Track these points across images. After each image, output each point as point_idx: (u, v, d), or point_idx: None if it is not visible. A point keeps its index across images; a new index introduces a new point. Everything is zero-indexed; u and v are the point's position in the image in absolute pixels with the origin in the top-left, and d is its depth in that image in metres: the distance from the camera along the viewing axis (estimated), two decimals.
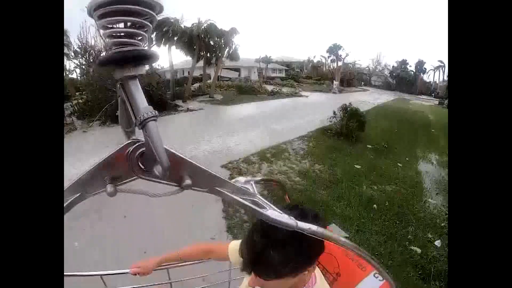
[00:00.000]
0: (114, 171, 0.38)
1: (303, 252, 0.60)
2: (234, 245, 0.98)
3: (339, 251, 1.10)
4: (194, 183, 0.42)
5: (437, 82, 45.28)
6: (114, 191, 0.37)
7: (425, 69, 46.48)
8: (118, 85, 0.33)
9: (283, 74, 39.77)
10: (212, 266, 1.16)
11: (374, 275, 0.99)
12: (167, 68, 18.75)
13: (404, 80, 42.77)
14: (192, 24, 15.88)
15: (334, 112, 8.13)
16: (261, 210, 0.45)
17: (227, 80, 26.23)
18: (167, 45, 15.40)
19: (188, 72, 21.29)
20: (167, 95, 13.67)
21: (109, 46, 0.31)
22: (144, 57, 0.31)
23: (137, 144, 0.37)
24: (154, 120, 0.33)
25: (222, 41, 16.93)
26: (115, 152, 0.38)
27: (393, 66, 46.32)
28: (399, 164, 6.24)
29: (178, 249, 1.10)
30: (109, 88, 9.14)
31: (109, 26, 0.30)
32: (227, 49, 17.19)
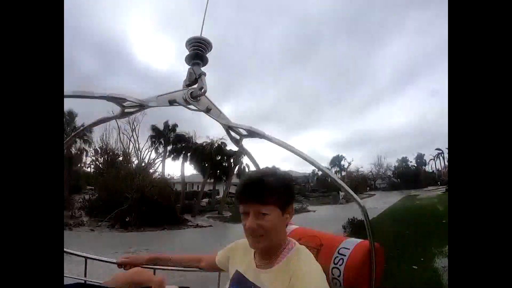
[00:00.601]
0: (173, 98, 0.92)
1: (283, 183, 0.84)
2: (221, 252, 1.11)
3: (321, 233, 1.30)
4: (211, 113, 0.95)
5: (440, 169, 45.19)
6: (173, 102, 0.90)
7: (425, 160, 47.57)
8: (191, 65, 0.93)
9: None
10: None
11: (354, 237, 1.17)
12: (178, 179, 19.94)
13: (407, 177, 42.85)
14: (204, 143, 17.92)
15: (344, 227, 8.26)
16: (239, 126, 0.96)
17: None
18: (181, 159, 17.04)
19: (198, 186, 22.42)
20: (177, 208, 14.08)
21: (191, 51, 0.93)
22: (201, 56, 0.93)
23: (189, 89, 0.93)
24: (204, 74, 0.91)
25: (232, 161, 18.49)
26: (176, 90, 0.93)
27: (394, 166, 47.36)
28: (414, 267, 5.98)
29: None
30: (123, 192, 9.66)
31: (190, 45, 0.93)
32: (236, 168, 18.58)
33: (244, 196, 0.83)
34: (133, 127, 18.13)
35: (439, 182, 39.58)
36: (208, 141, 18.22)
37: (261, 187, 0.80)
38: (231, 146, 18.27)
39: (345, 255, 1.08)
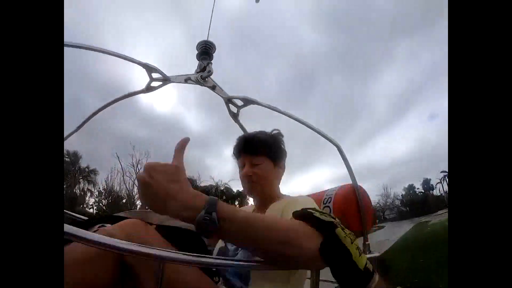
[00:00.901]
0: (188, 77, 1.31)
1: (273, 139, 0.99)
2: None
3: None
4: (216, 90, 1.35)
5: (447, 191, 43.09)
6: (188, 80, 1.30)
7: (432, 185, 45.49)
8: (201, 60, 1.34)
9: None
10: None
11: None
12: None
13: (416, 204, 40.97)
14: (209, 185, 18.05)
15: None
16: (236, 97, 1.34)
17: None
18: None
19: None
20: None
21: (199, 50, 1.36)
22: (208, 52, 1.35)
23: (199, 73, 1.32)
24: (211, 63, 1.32)
25: (237, 203, 18.31)
26: (191, 74, 1.33)
27: (402, 195, 45.46)
28: None
29: None
30: None
31: (200, 46, 1.35)
32: None
33: (240, 150, 0.98)
34: (137, 170, 18.32)
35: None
36: (213, 183, 18.29)
37: (253, 141, 0.97)
38: (237, 186, 18.36)
39: (332, 193, 1.22)
